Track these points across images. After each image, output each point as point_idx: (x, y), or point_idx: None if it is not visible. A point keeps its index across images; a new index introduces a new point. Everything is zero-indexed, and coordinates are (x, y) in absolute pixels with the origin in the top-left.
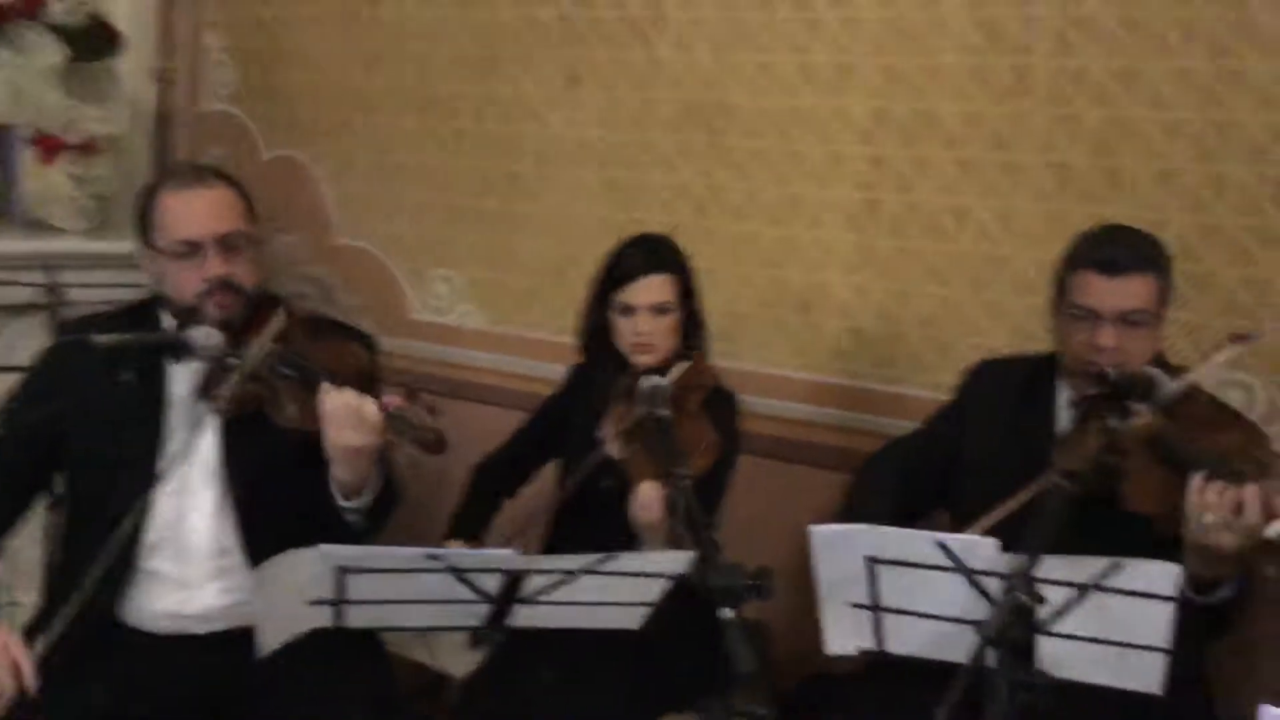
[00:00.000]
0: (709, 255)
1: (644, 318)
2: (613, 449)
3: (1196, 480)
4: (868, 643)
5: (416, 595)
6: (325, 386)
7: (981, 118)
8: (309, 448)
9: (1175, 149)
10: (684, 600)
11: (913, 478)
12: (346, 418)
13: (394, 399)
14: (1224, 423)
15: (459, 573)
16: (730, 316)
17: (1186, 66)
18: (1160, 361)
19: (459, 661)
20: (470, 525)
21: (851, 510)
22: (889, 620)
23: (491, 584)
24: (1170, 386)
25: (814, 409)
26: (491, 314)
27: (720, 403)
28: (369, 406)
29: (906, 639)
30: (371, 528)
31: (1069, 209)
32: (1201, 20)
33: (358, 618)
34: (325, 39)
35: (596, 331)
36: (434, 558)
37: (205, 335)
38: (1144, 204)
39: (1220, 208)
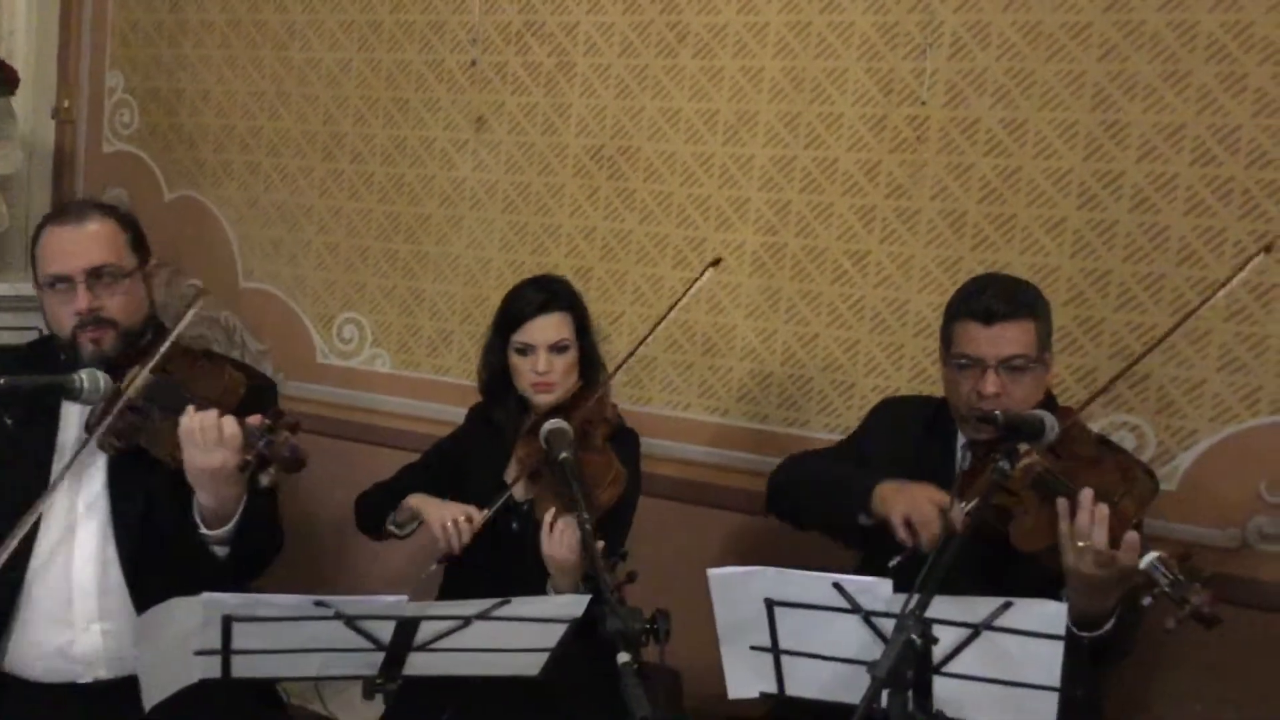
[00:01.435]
0: (616, 299)
1: (542, 356)
2: (519, 490)
3: (1064, 507)
4: (768, 686)
5: (306, 644)
6: (189, 410)
7: (879, 166)
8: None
9: (1063, 197)
10: (587, 645)
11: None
12: (202, 436)
13: (256, 418)
14: (1103, 458)
15: (349, 620)
16: (637, 360)
17: (1072, 118)
18: (1049, 403)
19: (357, 713)
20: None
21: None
22: (789, 662)
23: (384, 631)
24: (1055, 429)
25: (721, 452)
26: (400, 358)
27: (624, 440)
28: (229, 424)
29: (806, 681)
30: (243, 565)
31: (963, 255)
32: (1087, 74)
33: (246, 668)
34: (230, 80)
35: (496, 373)
36: (323, 604)
37: (88, 376)
38: (1035, 250)
39: (1107, 254)
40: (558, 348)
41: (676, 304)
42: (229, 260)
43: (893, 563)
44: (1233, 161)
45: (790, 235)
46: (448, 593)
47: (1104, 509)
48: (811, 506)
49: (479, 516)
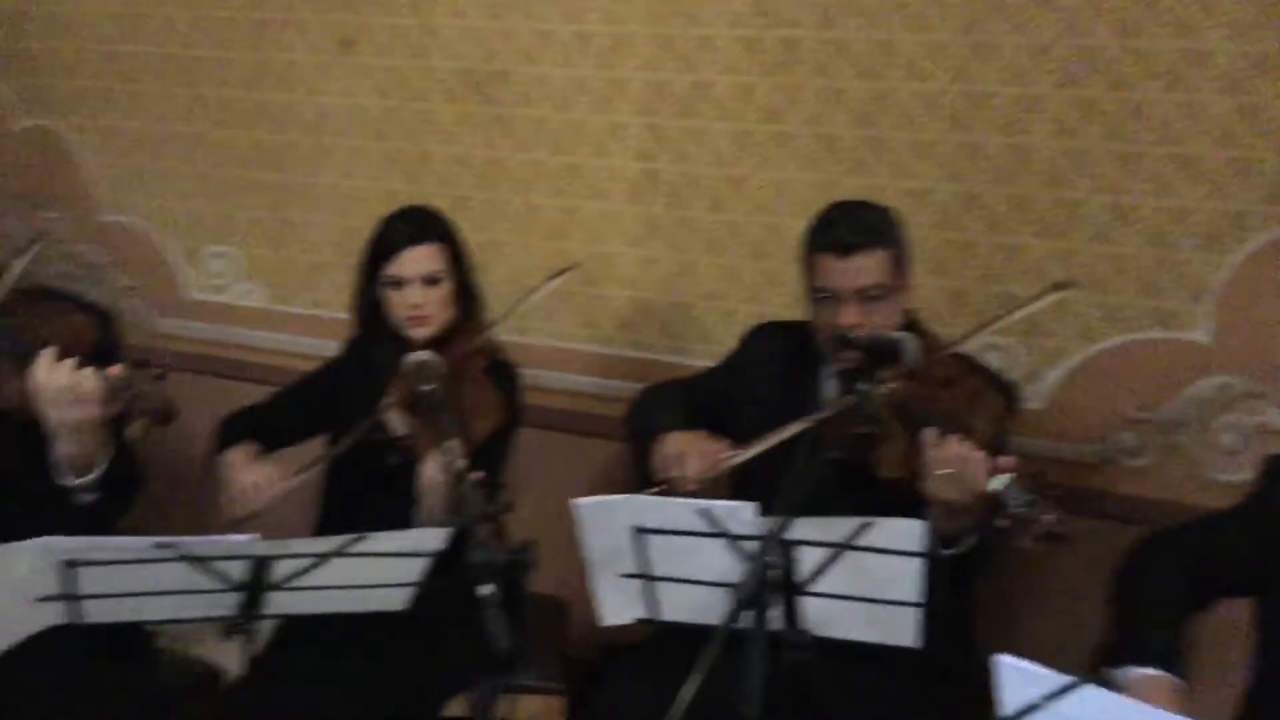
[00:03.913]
0: (493, 228)
1: (415, 289)
2: (395, 424)
3: (927, 436)
4: (642, 612)
5: (157, 586)
6: (39, 360)
7: (753, 90)
8: (34, 429)
9: (932, 120)
10: (458, 578)
11: (695, 403)
12: (61, 391)
13: (116, 368)
14: (959, 378)
15: (196, 561)
16: (516, 290)
17: (942, 40)
18: (911, 325)
19: (233, 656)
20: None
21: (644, 417)
22: (660, 588)
23: (238, 572)
24: (915, 351)
25: (602, 381)
26: (273, 292)
27: (502, 373)
28: (86, 378)
29: (678, 606)
30: (110, 508)
31: (838, 179)
32: None
33: (96, 612)
34: (80, 1)
35: (370, 307)
36: (165, 546)
37: None
38: (906, 173)
39: (976, 177)
40: (430, 280)
41: (530, 295)
42: (86, 193)
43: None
44: (1095, 81)
45: (666, 161)
46: (326, 530)
47: (932, 432)
48: (631, 449)
49: (280, 483)
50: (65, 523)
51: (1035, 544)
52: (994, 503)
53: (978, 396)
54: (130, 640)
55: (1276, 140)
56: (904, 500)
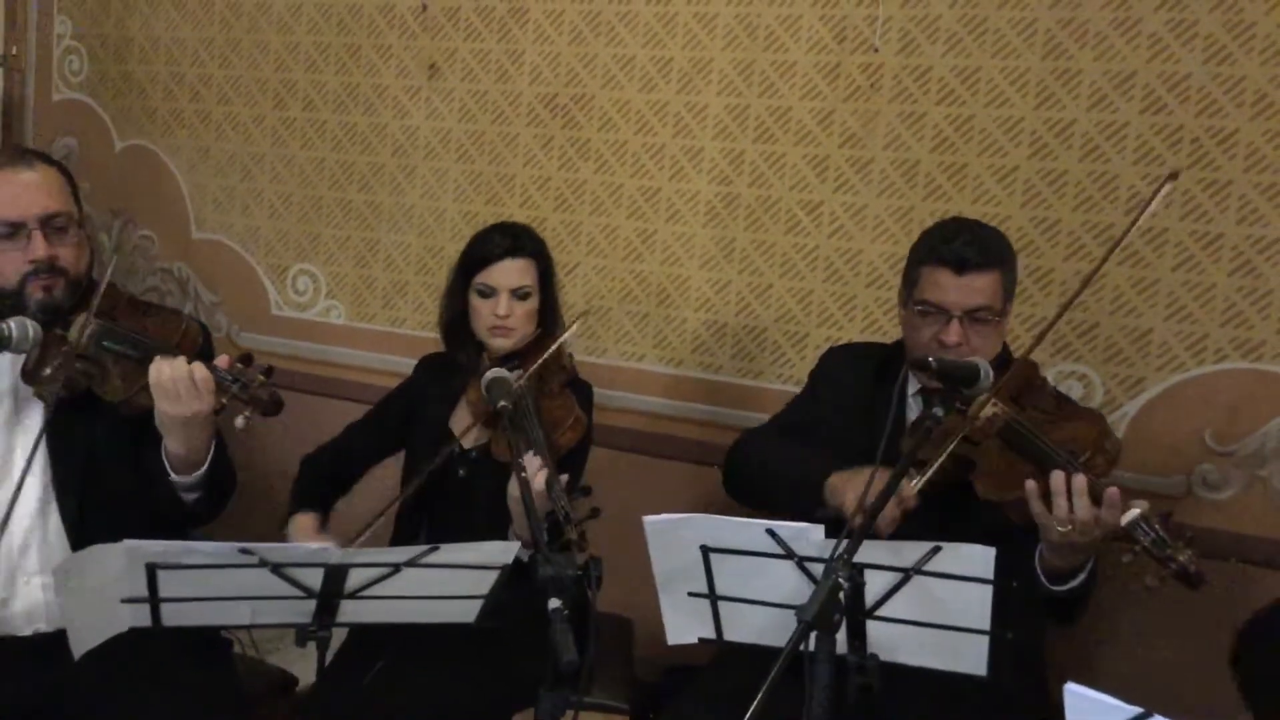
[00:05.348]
0: (570, 249)
1: (504, 300)
2: (467, 439)
3: (1032, 489)
4: (707, 632)
5: (235, 592)
6: (156, 359)
7: (832, 115)
8: (138, 427)
9: (1014, 146)
10: (527, 593)
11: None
12: (176, 384)
13: (225, 359)
14: (1069, 413)
15: (275, 567)
16: (593, 311)
17: (1024, 66)
18: (1005, 354)
19: (307, 663)
20: (308, 503)
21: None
22: (726, 608)
23: (313, 579)
24: (989, 376)
25: (676, 403)
26: (355, 309)
27: (579, 389)
28: (200, 370)
29: (743, 626)
30: (209, 509)
31: (916, 204)
32: (1038, 22)
33: (174, 616)
34: (179, 26)
35: (457, 315)
36: (247, 552)
37: (17, 325)
38: (986, 199)
39: (1057, 203)
40: (520, 293)
41: (558, 342)
42: (181, 210)
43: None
44: (1182, 110)
45: (744, 185)
46: (400, 540)
47: (1081, 480)
48: (769, 501)
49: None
50: (166, 524)
51: (1162, 584)
52: (1123, 537)
53: (1101, 430)
54: (209, 646)
55: None
56: (993, 522)
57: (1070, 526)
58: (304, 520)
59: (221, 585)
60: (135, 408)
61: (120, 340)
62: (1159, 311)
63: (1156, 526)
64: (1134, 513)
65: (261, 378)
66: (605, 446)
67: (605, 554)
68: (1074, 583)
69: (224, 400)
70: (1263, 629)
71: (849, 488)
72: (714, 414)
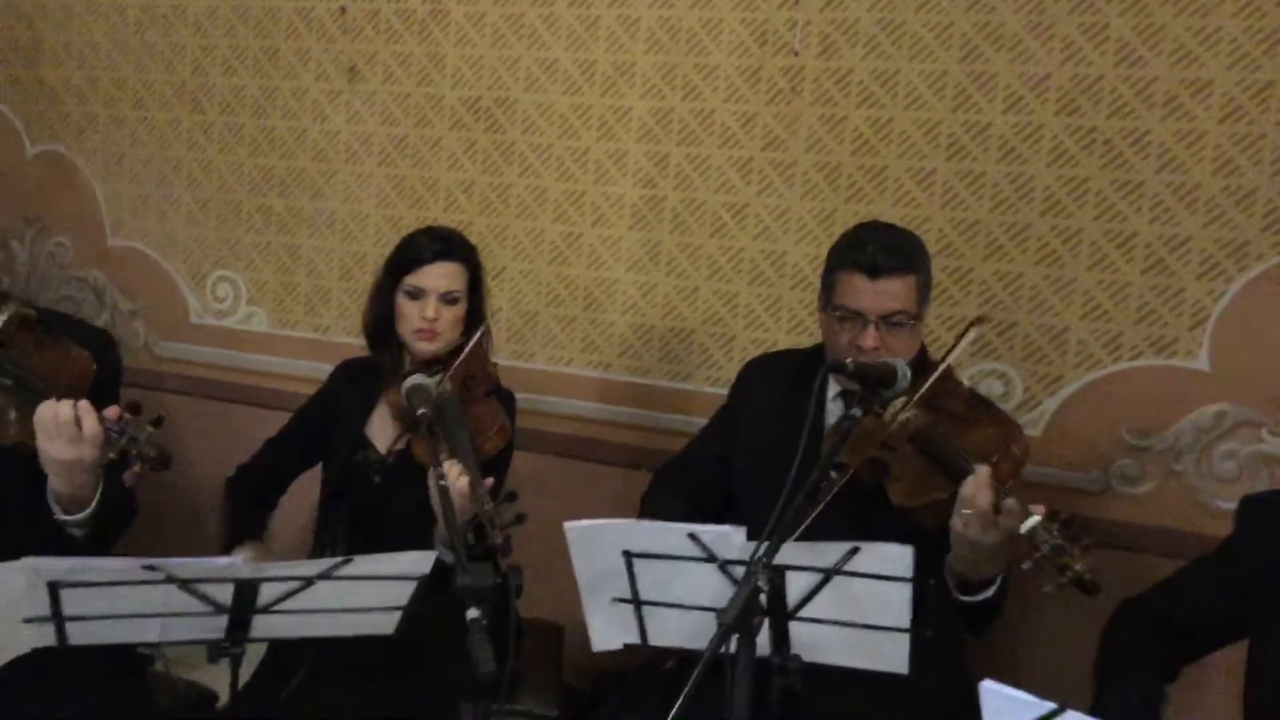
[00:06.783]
0: (496, 253)
1: (432, 303)
2: (381, 444)
3: (968, 482)
4: (632, 637)
5: (144, 609)
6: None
7: (755, 118)
8: (33, 460)
9: (932, 149)
10: (449, 602)
11: (697, 500)
12: (59, 429)
13: (114, 411)
14: (979, 416)
15: (183, 583)
16: (520, 316)
17: (941, 69)
18: (923, 355)
19: (223, 679)
20: (248, 530)
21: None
22: (650, 612)
23: (223, 595)
24: (906, 377)
25: (604, 406)
26: (277, 316)
27: (502, 396)
28: (88, 419)
29: (668, 631)
30: (101, 544)
31: (838, 206)
32: (955, 25)
33: (81, 634)
34: (93, 29)
35: (382, 316)
36: (152, 568)
37: None
38: (906, 201)
39: (975, 205)
40: (449, 298)
41: (472, 340)
42: (96, 217)
43: None
44: (1095, 111)
45: (669, 188)
46: (314, 554)
47: (985, 471)
48: None
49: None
50: (58, 553)
51: (1060, 589)
52: (1024, 545)
53: (1007, 435)
54: (124, 663)
55: (1275, 169)
56: (907, 529)
57: (970, 510)
58: (250, 552)
59: (129, 602)
60: (27, 447)
61: (7, 373)
62: (1075, 310)
63: (1055, 533)
64: (1033, 520)
65: (151, 428)
66: (534, 452)
67: (535, 560)
68: (985, 594)
69: (111, 455)
70: (1132, 606)
71: None
72: (643, 417)
